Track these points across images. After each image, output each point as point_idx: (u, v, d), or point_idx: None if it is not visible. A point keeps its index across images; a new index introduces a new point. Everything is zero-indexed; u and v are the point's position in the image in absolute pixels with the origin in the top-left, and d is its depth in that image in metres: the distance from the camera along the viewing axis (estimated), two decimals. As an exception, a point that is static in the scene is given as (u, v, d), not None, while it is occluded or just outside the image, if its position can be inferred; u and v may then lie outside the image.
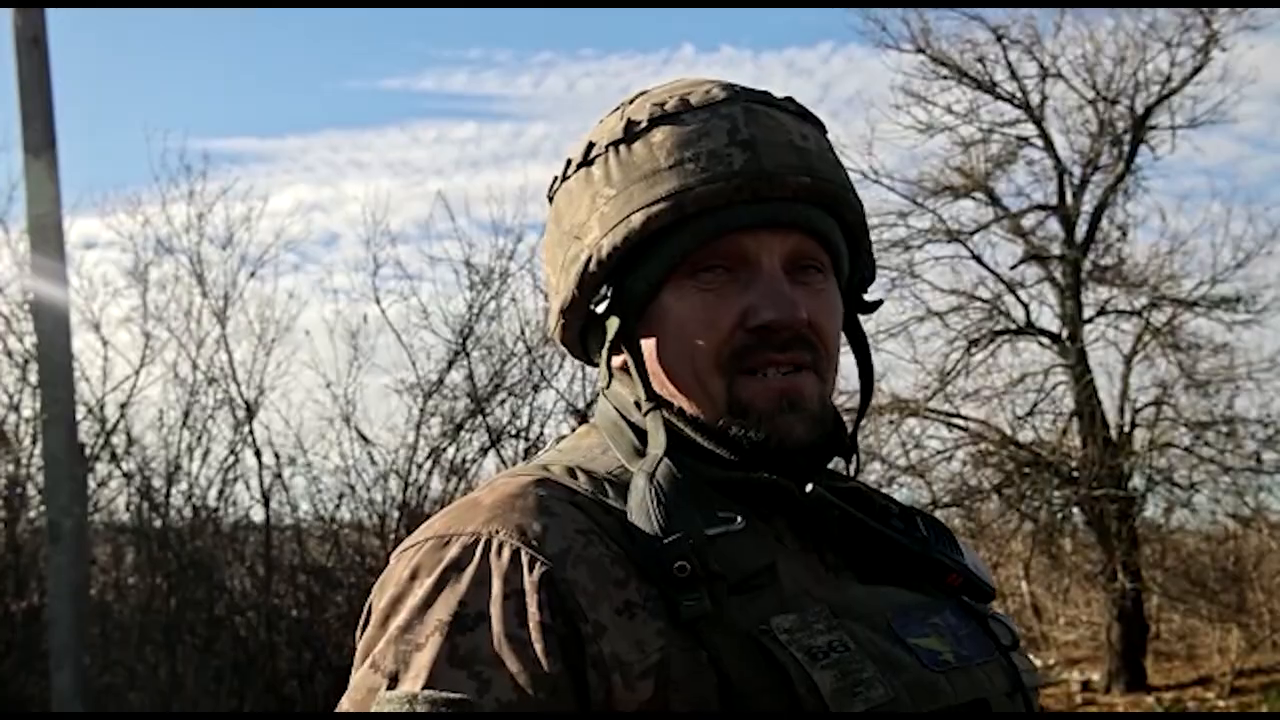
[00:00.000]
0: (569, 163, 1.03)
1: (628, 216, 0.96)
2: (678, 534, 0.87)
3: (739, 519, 0.91)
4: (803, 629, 0.87)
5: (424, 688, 0.83)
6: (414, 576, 0.89)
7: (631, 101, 1.03)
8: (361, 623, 0.93)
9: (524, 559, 0.87)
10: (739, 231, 0.95)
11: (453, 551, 0.88)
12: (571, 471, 0.96)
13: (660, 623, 0.86)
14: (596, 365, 1.06)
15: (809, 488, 0.97)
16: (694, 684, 0.84)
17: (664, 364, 0.98)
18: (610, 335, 0.98)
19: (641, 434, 0.98)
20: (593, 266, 0.98)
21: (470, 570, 0.87)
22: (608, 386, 1.03)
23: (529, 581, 0.86)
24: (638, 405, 0.98)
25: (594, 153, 1.00)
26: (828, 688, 0.84)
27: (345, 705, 0.87)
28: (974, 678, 0.93)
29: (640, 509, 0.89)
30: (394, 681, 0.84)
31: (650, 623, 0.86)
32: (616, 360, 1.02)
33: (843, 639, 0.87)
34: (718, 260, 0.96)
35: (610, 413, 1.02)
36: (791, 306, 0.94)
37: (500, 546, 0.87)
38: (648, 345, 0.99)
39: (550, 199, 1.06)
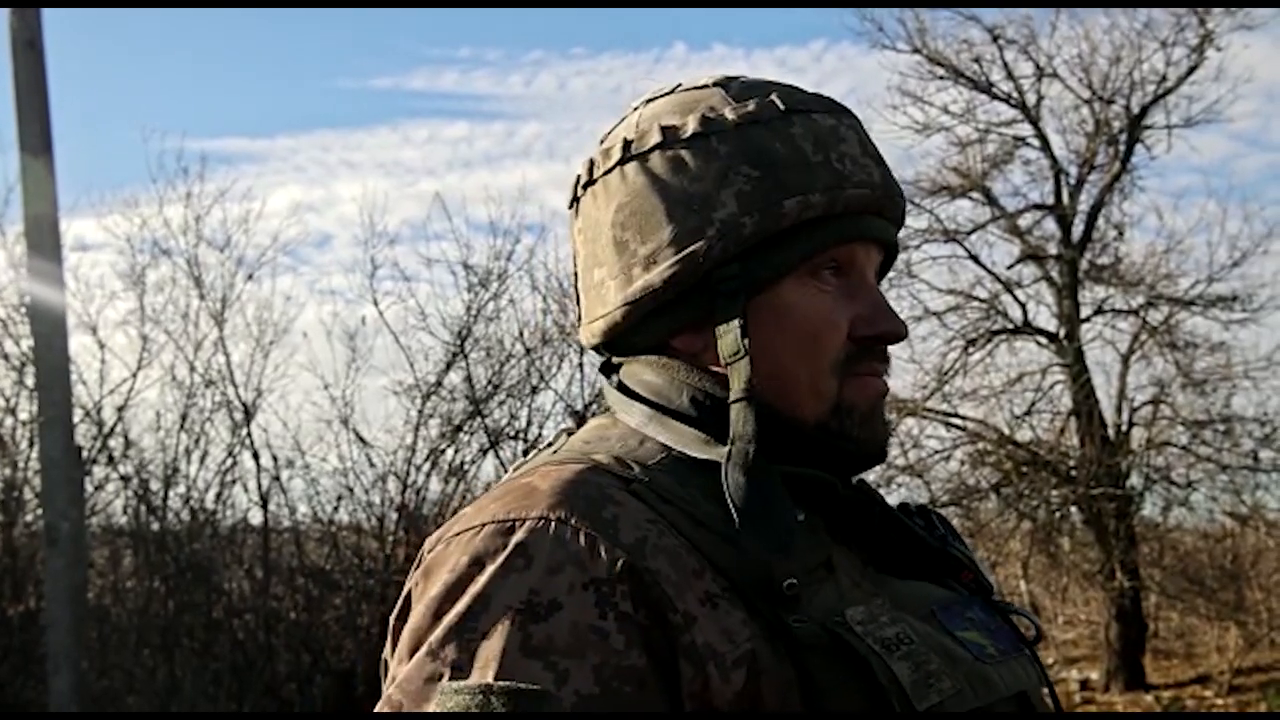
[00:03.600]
0: (672, 129, 0.97)
1: (780, 201, 0.93)
2: (784, 546, 0.86)
3: (801, 514, 0.90)
4: (872, 621, 0.86)
5: (496, 678, 0.78)
6: (476, 562, 0.83)
7: (727, 84, 1.00)
8: (398, 613, 0.88)
9: (602, 547, 0.83)
10: (858, 240, 0.98)
11: (519, 535, 0.84)
12: (621, 461, 0.92)
13: (740, 613, 0.84)
14: (632, 354, 1.01)
15: (854, 480, 0.99)
16: (780, 675, 0.83)
17: (773, 356, 0.95)
18: (734, 321, 0.93)
19: (694, 422, 0.95)
20: (730, 243, 0.94)
21: (542, 556, 0.82)
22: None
23: (609, 570, 0.82)
24: (703, 394, 0.96)
25: (716, 126, 0.96)
26: (907, 679, 0.83)
27: (397, 698, 0.81)
28: (1014, 670, 0.94)
29: (746, 510, 0.86)
30: (458, 671, 0.79)
31: (733, 612, 0.84)
32: (690, 344, 0.98)
33: (906, 631, 0.87)
34: (835, 264, 0.97)
35: (638, 405, 0.98)
36: (901, 323, 0.98)
37: (574, 533, 0.83)
38: (759, 335, 0.95)
39: (625, 160, 0.99)
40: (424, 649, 0.82)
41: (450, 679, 0.79)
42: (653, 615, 0.82)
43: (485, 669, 0.79)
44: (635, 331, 1.00)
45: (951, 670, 0.87)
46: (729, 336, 0.94)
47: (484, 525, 0.86)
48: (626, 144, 0.99)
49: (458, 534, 0.88)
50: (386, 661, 0.90)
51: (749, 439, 0.90)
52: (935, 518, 1.06)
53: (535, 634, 0.80)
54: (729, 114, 0.97)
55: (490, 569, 0.83)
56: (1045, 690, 0.98)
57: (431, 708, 0.79)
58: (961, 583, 1.02)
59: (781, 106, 0.97)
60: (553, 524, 0.84)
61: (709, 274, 0.95)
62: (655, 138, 0.98)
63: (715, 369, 0.96)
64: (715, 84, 1.01)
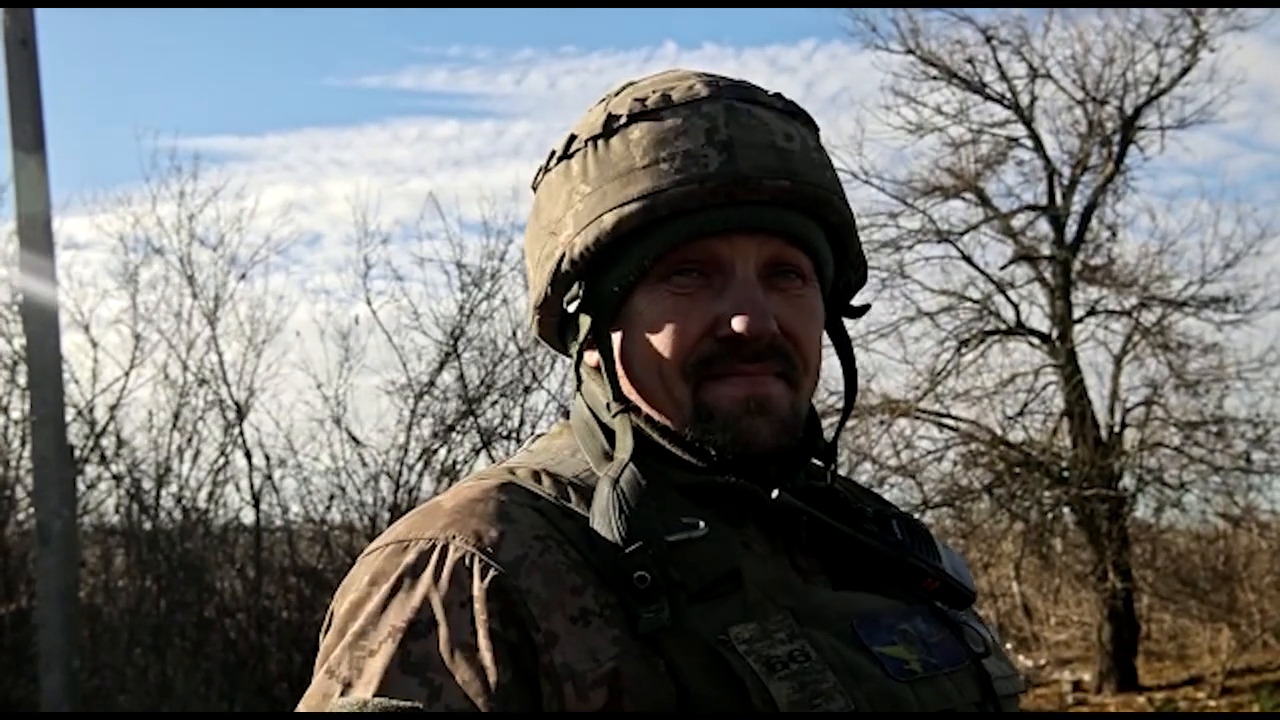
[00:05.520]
0: (551, 154, 1.01)
1: (600, 216, 0.94)
2: (638, 543, 0.86)
3: (702, 525, 0.90)
4: (763, 639, 0.85)
5: (375, 694, 0.83)
6: (373, 582, 0.89)
7: (618, 93, 1.01)
8: (324, 627, 0.93)
9: (476, 566, 0.86)
10: (714, 236, 0.93)
11: (409, 558, 0.88)
12: (537, 475, 0.95)
13: (616, 630, 0.85)
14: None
15: (775, 493, 0.95)
16: (650, 692, 0.83)
17: (632, 367, 0.96)
18: (581, 335, 0.97)
19: (612, 436, 0.96)
20: (565, 265, 0.96)
21: (424, 576, 0.87)
22: (579, 386, 1.01)
23: (480, 589, 0.85)
24: (608, 407, 0.97)
25: (574, 146, 0.98)
26: (784, 700, 0.82)
27: (302, 711, 0.87)
28: (941, 688, 0.91)
29: (602, 516, 0.88)
30: (347, 688, 0.84)
31: (606, 630, 0.85)
32: (590, 359, 1.00)
33: (804, 648, 0.85)
34: (691, 264, 0.94)
35: (584, 412, 1.01)
36: (762, 318, 0.92)
37: (455, 553, 0.87)
38: (618, 347, 0.97)
39: (535, 189, 1.04)
40: (325, 666, 0.87)
41: (340, 695, 0.85)
42: (520, 633, 0.85)
43: (368, 685, 0.84)
44: (562, 344, 1.05)
45: (851, 689, 0.84)
46: (575, 358, 0.99)
47: (387, 546, 0.91)
48: (538, 170, 1.03)
49: (368, 554, 0.93)
50: None
51: (626, 450, 0.92)
52: (897, 522, 1.02)
53: (414, 651, 0.84)
54: (585, 132, 0.98)
55: (383, 588, 0.88)
56: (990, 704, 0.94)
57: None
58: (925, 591, 0.99)
59: (625, 115, 0.96)
60: (439, 545, 0.88)
61: (561, 298, 0.98)
62: (542, 164, 1.02)
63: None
64: (608, 95, 1.02)
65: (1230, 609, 9.97)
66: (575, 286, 0.97)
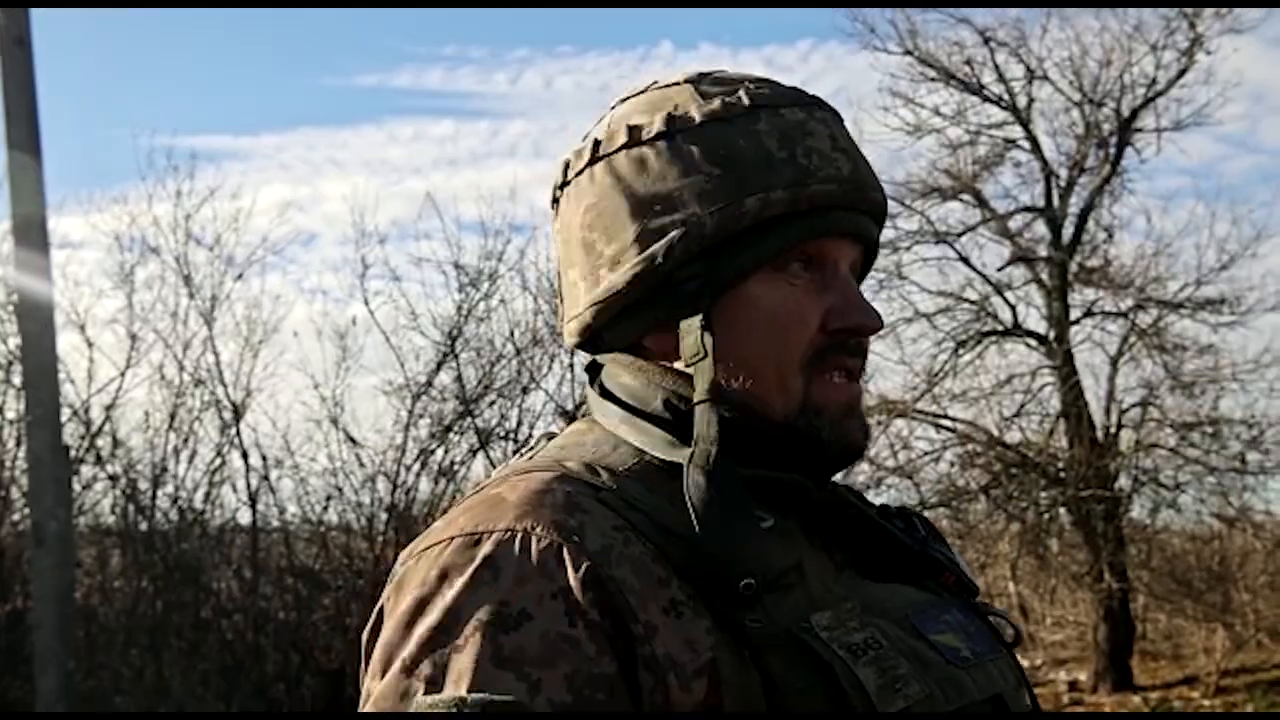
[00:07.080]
0: (638, 129, 0.97)
1: (740, 199, 0.93)
2: (741, 546, 0.85)
3: (770, 518, 0.91)
4: (839, 626, 0.86)
5: (470, 690, 0.78)
6: (444, 577, 0.84)
7: (698, 80, 1.00)
8: (371, 629, 0.89)
9: (567, 556, 0.83)
10: (826, 236, 0.96)
11: (486, 549, 0.84)
12: (590, 468, 0.93)
13: (706, 621, 0.84)
14: (609, 353, 1.01)
15: (834, 481, 0.99)
16: (742, 682, 0.83)
17: (741, 354, 0.95)
18: (698, 318, 0.94)
19: (667, 425, 0.95)
20: (692, 243, 0.94)
21: (509, 567, 0.83)
22: (658, 376, 0.98)
23: (575, 579, 0.82)
24: (676, 396, 0.95)
25: (680, 124, 0.96)
26: (872, 684, 0.83)
27: (370, 710, 0.82)
28: (989, 673, 0.94)
29: (703, 511, 0.86)
30: (432, 685, 0.80)
31: (697, 621, 0.84)
32: (655, 346, 0.98)
33: (876, 636, 0.87)
34: (805, 259, 0.96)
35: (613, 408, 0.99)
36: (876, 315, 0.97)
37: (539, 542, 0.84)
38: (727, 333, 0.95)
39: (594, 161, 1.00)
40: (397, 665, 0.82)
41: (425, 693, 0.80)
42: (617, 624, 0.82)
43: (459, 682, 0.79)
44: (608, 331, 1.01)
45: (922, 675, 0.86)
46: (690, 337, 0.94)
47: (452, 539, 0.87)
48: (595, 145, 1.00)
49: (426, 548, 0.88)
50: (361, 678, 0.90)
51: (711, 440, 0.90)
52: (916, 519, 1.06)
53: (506, 645, 0.80)
54: (694, 112, 0.97)
55: (459, 583, 0.83)
56: (1025, 691, 0.98)
57: None
58: (942, 584, 1.02)
59: (748, 102, 0.96)
60: (519, 535, 0.85)
61: (671, 274, 0.95)
62: (621, 138, 0.98)
63: (687, 370, 0.96)
64: (687, 80, 1.01)
65: (1225, 609, 10.00)
66: (697, 265, 0.94)
